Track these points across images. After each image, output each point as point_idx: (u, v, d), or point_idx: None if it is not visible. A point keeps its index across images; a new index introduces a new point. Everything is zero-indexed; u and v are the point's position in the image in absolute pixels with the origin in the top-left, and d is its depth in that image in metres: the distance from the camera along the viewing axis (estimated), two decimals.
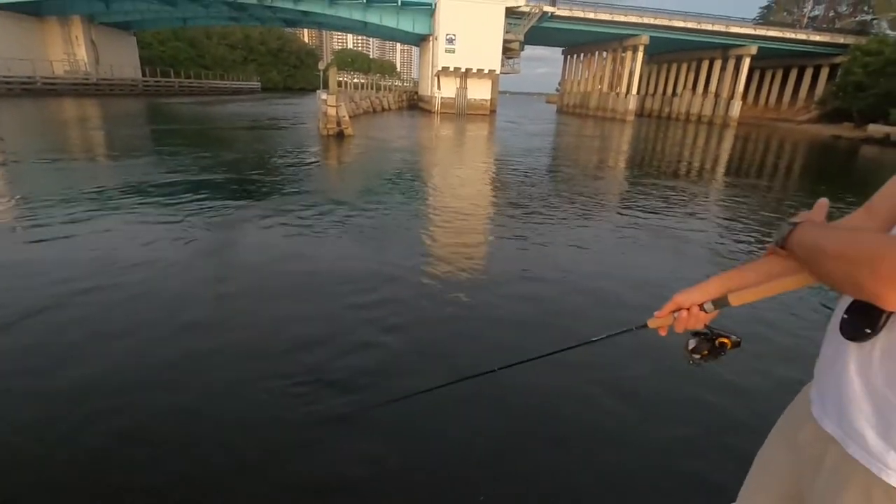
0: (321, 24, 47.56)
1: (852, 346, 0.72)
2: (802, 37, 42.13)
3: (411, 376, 2.78)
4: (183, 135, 16.24)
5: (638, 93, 45.13)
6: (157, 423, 2.34)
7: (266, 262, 4.61)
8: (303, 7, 37.69)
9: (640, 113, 49.95)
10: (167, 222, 5.69)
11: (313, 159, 11.97)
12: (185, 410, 2.44)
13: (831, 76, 41.41)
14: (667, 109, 52.21)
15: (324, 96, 16.76)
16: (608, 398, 2.68)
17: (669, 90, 53.01)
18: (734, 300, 0.88)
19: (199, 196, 7.10)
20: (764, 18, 51.96)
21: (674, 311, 0.95)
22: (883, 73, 33.04)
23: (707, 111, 45.85)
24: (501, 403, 2.57)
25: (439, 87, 38.22)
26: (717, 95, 45.57)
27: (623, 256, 5.51)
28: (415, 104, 46.56)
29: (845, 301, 0.75)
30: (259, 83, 73.80)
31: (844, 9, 49.92)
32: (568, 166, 13.68)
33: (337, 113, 16.22)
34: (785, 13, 53.10)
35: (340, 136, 16.25)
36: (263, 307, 3.63)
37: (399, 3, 37.40)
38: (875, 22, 44.97)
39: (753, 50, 41.98)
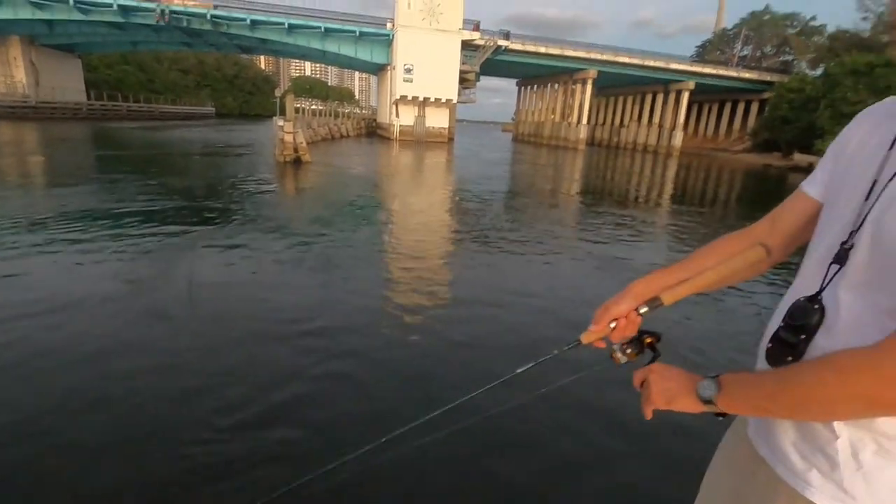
0: (278, 51, 47.48)
1: None
2: (734, 74, 45.85)
3: (354, 430, 2.58)
4: (129, 161, 15.49)
5: (588, 123, 47.32)
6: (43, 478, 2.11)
7: (210, 297, 4.33)
8: (260, 34, 37.58)
9: (591, 142, 52.27)
10: (104, 255, 5.36)
11: (269, 186, 11.70)
12: (79, 473, 2.18)
13: (761, 110, 44.93)
14: (615, 139, 54.94)
15: (280, 122, 16.60)
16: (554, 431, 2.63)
17: (617, 121, 55.94)
18: (666, 299, 0.91)
19: (142, 226, 6.76)
20: (700, 57, 56.05)
21: (610, 322, 0.94)
22: (805, 108, 36.18)
23: (652, 141, 48.61)
24: (423, 460, 2.30)
25: (398, 115, 38.71)
26: (660, 126, 48.50)
27: (577, 281, 5.64)
28: (373, 131, 46.83)
29: (771, 329, 0.79)
30: (213, 109, 72.32)
31: (769, 49, 54.64)
32: (524, 194, 14.03)
33: (294, 139, 16.06)
34: (718, 52, 57.47)
35: (298, 162, 16.06)
36: (204, 350, 3.34)
37: (357, 33, 37.97)
38: (795, 62, 49.50)
39: (691, 85, 45.21)
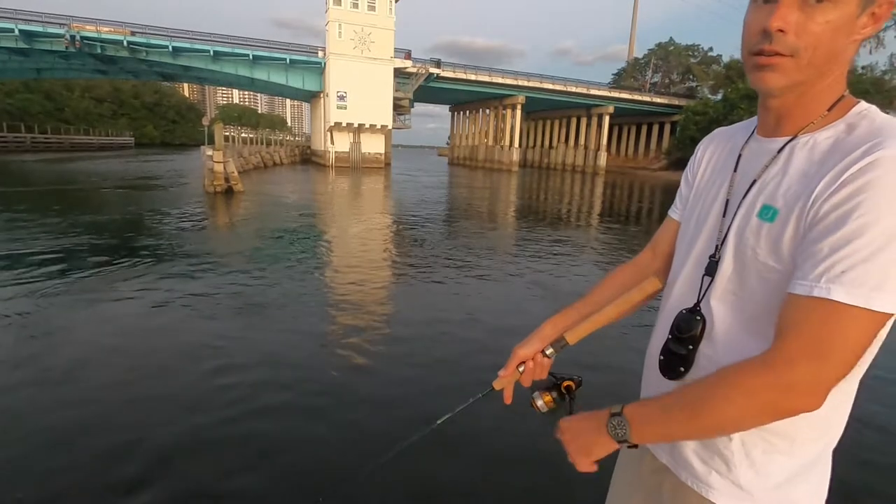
0: (204, 78, 45.79)
1: (671, 384, 0.81)
2: (647, 99, 50.01)
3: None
4: (32, 197, 14.00)
5: (520, 145, 49.38)
6: None
7: (113, 347, 3.85)
8: (183, 62, 36.15)
9: (524, 164, 54.48)
10: None
11: (195, 219, 11.06)
12: None
13: (673, 131, 49.04)
14: (546, 160, 57.64)
15: (209, 152, 15.97)
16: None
17: (547, 143, 58.84)
18: (571, 338, 0.91)
19: (40, 268, 6.09)
20: (616, 83, 60.49)
21: (518, 366, 0.95)
22: (709, 128, 39.52)
23: (579, 161, 51.48)
24: None
25: (332, 142, 38.42)
26: (586, 147, 51.57)
27: (516, 307, 5.68)
28: (308, 158, 46.12)
29: (658, 342, 0.86)
30: (132, 138, 68.20)
31: (676, 77, 60.07)
32: (463, 217, 14.27)
33: (225, 169, 15.48)
34: (632, 79, 62.31)
35: (229, 192, 15.46)
36: (94, 411, 2.92)
37: (288, 60, 37.56)
38: (699, 88, 54.75)
39: (611, 109, 48.65)
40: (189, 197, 14.98)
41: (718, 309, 0.76)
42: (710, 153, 0.90)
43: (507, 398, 0.98)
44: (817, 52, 0.65)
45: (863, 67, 33.93)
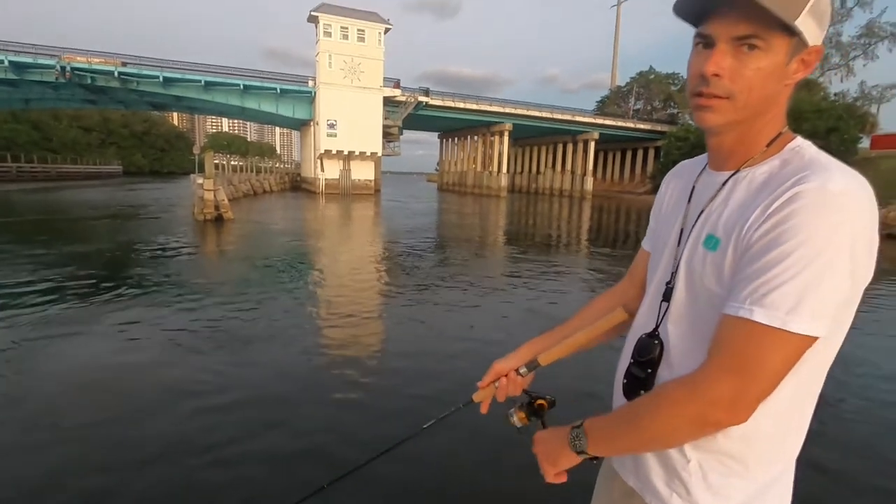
0: (195, 108, 46.13)
1: None
2: (631, 125, 51.29)
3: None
4: (17, 228, 13.86)
5: (508, 171, 50.10)
6: None
7: (89, 384, 3.74)
8: (174, 92, 36.42)
9: (512, 189, 55.15)
10: None
11: (185, 248, 10.96)
12: None
13: (657, 156, 50.16)
14: (534, 185, 58.45)
15: (199, 180, 15.99)
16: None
17: (534, 168, 59.79)
18: (543, 360, 0.98)
19: (20, 300, 5.96)
20: (600, 110, 62.07)
21: (494, 381, 1.02)
22: (691, 153, 40.30)
23: (567, 186, 52.31)
24: None
25: (323, 169, 38.66)
26: (572, 172, 52.49)
27: (508, 335, 5.59)
28: (298, 186, 46.24)
29: (623, 365, 0.90)
30: (120, 167, 67.99)
31: (658, 103, 61.85)
32: (454, 243, 14.34)
33: (215, 197, 15.49)
34: (616, 106, 64.00)
35: (219, 220, 15.43)
36: (66, 455, 2.82)
37: (278, 90, 38.06)
38: (680, 114, 56.35)
39: (596, 135, 49.79)
40: (178, 225, 14.91)
41: (674, 333, 0.81)
42: (672, 186, 0.96)
43: (484, 409, 1.04)
44: (751, 95, 0.71)
45: (835, 94, 35.37)
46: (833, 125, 28.52)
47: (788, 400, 0.72)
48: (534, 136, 56.07)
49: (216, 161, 18.17)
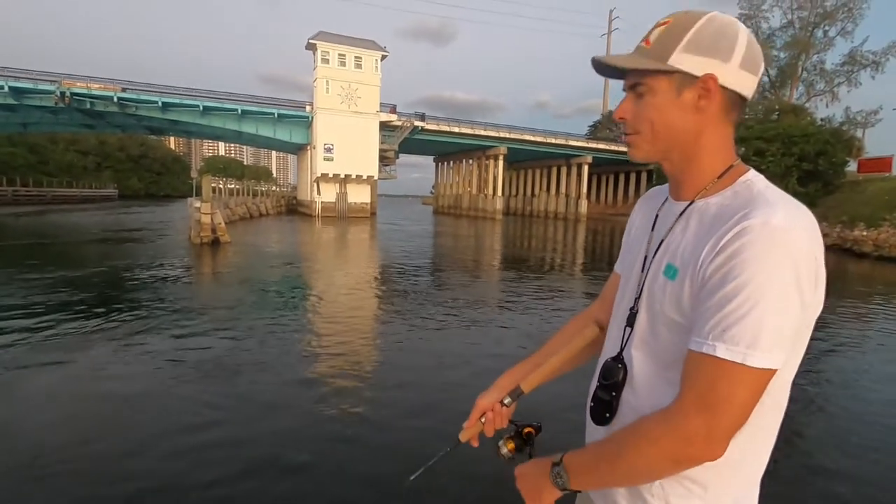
0: (191, 132, 46.55)
1: (601, 429, 0.88)
2: (623, 149, 51.97)
3: None
4: (10, 252, 13.77)
5: (503, 194, 50.55)
6: None
7: (70, 417, 3.62)
8: (172, 116, 36.80)
9: (507, 212, 55.57)
10: None
11: (180, 272, 10.94)
12: None
13: (650, 179, 50.87)
14: (528, 208, 58.94)
15: (196, 203, 16.03)
16: None
17: (529, 191, 60.37)
18: (525, 387, 0.98)
19: (8, 326, 5.92)
20: (593, 134, 63.17)
21: (480, 417, 1.01)
22: None
23: (561, 209, 52.79)
24: None
25: (319, 192, 38.87)
26: (567, 195, 53.05)
27: (503, 359, 5.70)
28: (294, 209, 46.39)
29: (592, 389, 0.91)
30: (116, 190, 68.05)
31: None
32: (451, 267, 14.40)
33: (212, 220, 15.51)
34: (608, 130, 65.19)
35: (216, 243, 15.42)
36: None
37: (276, 115, 38.54)
38: None
39: (589, 159, 50.57)
40: (175, 248, 14.89)
41: (637, 358, 0.83)
42: (641, 211, 0.99)
43: (474, 443, 1.04)
44: (654, 127, 0.79)
45: (822, 119, 36.19)
46: (821, 149, 29.07)
47: (745, 426, 0.73)
48: (528, 159, 56.84)
49: (213, 185, 18.24)
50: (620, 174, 56.24)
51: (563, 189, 53.76)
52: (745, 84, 0.76)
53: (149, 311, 6.89)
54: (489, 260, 15.85)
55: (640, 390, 0.81)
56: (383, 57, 40.19)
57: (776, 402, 0.77)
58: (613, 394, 0.85)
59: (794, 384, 0.77)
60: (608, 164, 55.04)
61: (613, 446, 0.78)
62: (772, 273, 0.66)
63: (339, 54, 38.24)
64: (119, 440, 3.31)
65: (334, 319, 7.04)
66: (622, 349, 0.86)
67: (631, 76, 0.80)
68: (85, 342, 5.41)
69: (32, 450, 3.16)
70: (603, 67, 0.83)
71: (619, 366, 0.85)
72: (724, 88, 0.76)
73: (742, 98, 0.78)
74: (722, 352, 0.67)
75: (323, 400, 4.12)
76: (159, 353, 5.12)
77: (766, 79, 41.89)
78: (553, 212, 53.60)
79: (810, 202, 28.58)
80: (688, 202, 0.81)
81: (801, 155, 29.34)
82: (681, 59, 0.75)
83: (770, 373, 0.68)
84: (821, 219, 24.88)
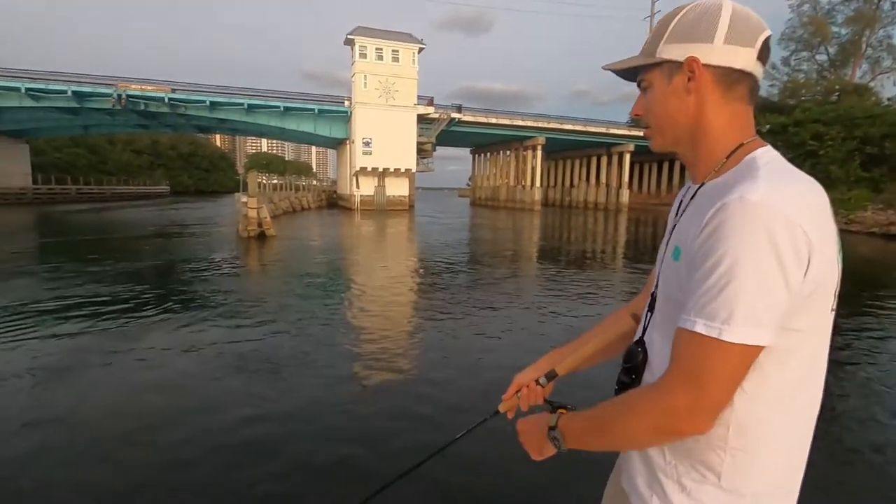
0: (237, 129, 48.29)
1: None
2: None
3: None
4: (75, 247, 14.60)
5: (541, 185, 49.81)
6: None
7: (123, 403, 3.79)
8: (219, 115, 38.28)
9: (545, 203, 54.74)
10: (18, 353, 4.86)
11: (231, 265, 11.39)
12: None
13: None
14: (567, 199, 57.83)
15: (244, 198, 16.65)
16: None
17: (568, 182, 59.19)
18: (560, 370, 1.05)
19: (71, 317, 6.26)
20: (635, 122, 61.24)
21: (517, 392, 1.10)
22: None
23: (601, 199, 51.50)
24: None
25: (358, 186, 39.54)
26: (607, 185, 51.66)
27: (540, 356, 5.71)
28: (334, 203, 47.41)
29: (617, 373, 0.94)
30: (168, 187, 71.56)
31: None
32: (490, 259, 14.30)
33: (258, 214, 16.08)
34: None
35: (262, 237, 15.98)
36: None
37: (316, 110, 39.38)
38: None
39: (631, 147, 48.95)
40: (224, 242, 15.53)
41: (656, 340, 0.86)
42: (676, 201, 1.01)
43: (511, 415, 1.12)
44: (659, 119, 0.85)
45: (888, 99, 33.58)
46: (888, 131, 27.07)
47: (752, 413, 0.74)
48: (567, 149, 55.68)
49: (259, 180, 18.87)
50: (664, 162, 54.21)
51: (603, 179, 52.39)
52: (736, 57, 0.77)
53: (202, 303, 7.23)
54: (529, 252, 15.71)
55: (657, 372, 0.82)
56: (420, 49, 40.24)
57: (790, 395, 0.75)
58: (633, 376, 0.88)
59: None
60: (651, 153, 53.09)
61: (602, 415, 0.82)
62: (746, 247, 0.66)
63: (377, 48, 38.57)
64: (171, 430, 3.41)
65: (377, 313, 7.17)
66: (643, 333, 0.90)
67: (637, 75, 0.88)
68: (142, 332, 5.72)
69: (94, 433, 3.36)
70: (618, 72, 0.91)
71: (640, 349, 0.88)
72: (710, 67, 0.78)
73: (739, 72, 0.78)
74: (700, 327, 0.69)
75: (364, 395, 4.21)
76: (211, 344, 5.33)
77: (824, 57, 39.30)
78: (593, 202, 52.39)
79: (875, 187, 26.72)
80: (699, 186, 0.84)
81: (864, 138, 27.47)
82: (666, 50, 0.82)
83: (751, 350, 0.68)
84: (887, 205, 23.19)
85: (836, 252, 0.74)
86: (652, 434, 0.76)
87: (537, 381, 1.07)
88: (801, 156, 29.50)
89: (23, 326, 5.78)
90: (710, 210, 0.71)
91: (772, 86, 39.82)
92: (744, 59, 0.78)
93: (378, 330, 6.14)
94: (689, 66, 0.79)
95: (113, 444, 3.20)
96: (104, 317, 6.33)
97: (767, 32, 0.78)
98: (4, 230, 19.38)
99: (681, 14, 0.81)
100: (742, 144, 0.79)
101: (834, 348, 5.28)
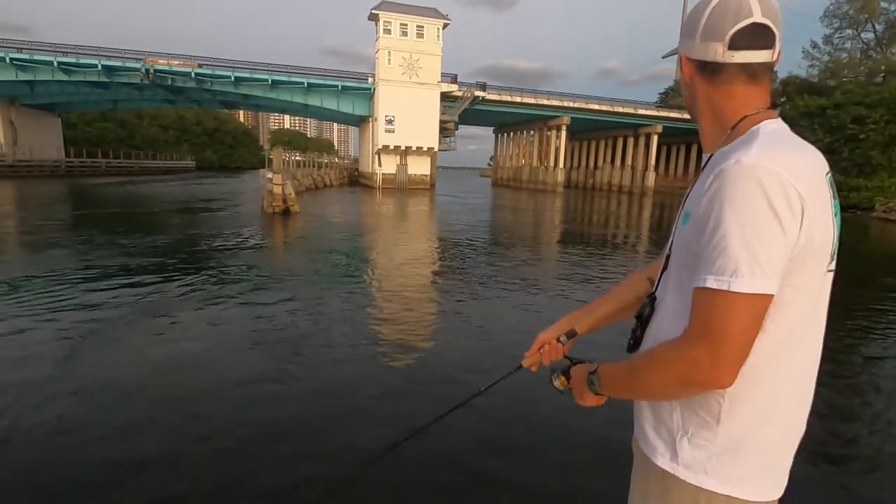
0: (261, 105, 48.51)
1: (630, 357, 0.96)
2: None
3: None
4: (106, 219, 14.95)
5: (564, 166, 48.96)
6: None
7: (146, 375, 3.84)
8: (244, 90, 38.49)
9: (567, 185, 53.87)
10: (49, 321, 5.00)
11: (257, 240, 11.54)
12: None
13: None
14: (591, 181, 56.74)
15: (269, 175, 16.80)
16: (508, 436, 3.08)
17: (592, 163, 57.97)
18: (579, 329, 1.13)
19: (103, 289, 6.39)
20: (664, 102, 59.28)
21: (539, 349, 1.17)
22: None
23: (626, 182, 50.35)
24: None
25: (380, 164, 39.51)
26: (633, 168, 50.42)
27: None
28: (356, 180, 47.53)
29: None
30: (193, 162, 72.66)
31: None
32: (512, 242, 14.24)
33: (283, 191, 16.23)
34: (680, 97, 60.95)
35: (286, 213, 16.16)
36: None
37: (339, 87, 39.23)
38: None
39: (659, 129, 47.52)
40: (250, 218, 15.76)
41: (665, 296, 0.93)
42: None
43: (534, 369, 1.22)
44: (685, 98, 0.98)
45: None
46: None
47: (751, 362, 0.78)
48: (592, 129, 54.39)
49: (284, 157, 18.98)
50: (693, 144, 52.31)
51: (628, 161, 51.09)
52: (708, 51, 0.87)
53: (229, 278, 7.33)
54: (552, 237, 15.55)
55: (663, 323, 0.91)
56: (445, 25, 39.51)
57: (786, 342, 0.82)
58: (640, 328, 0.96)
59: None
60: (680, 135, 51.47)
61: (634, 365, 0.90)
62: (743, 204, 0.73)
63: (401, 24, 38.01)
64: (193, 403, 3.44)
65: (398, 293, 7.15)
66: (656, 289, 0.97)
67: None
68: (170, 305, 5.80)
69: (117, 403, 3.43)
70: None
71: (648, 304, 0.96)
72: (691, 60, 0.90)
73: (714, 63, 0.86)
74: (712, 283, 0.75)
75: (386, 362, 4.27)
76: (236, 319, 5.40)
77: (870, 35, 37.17)
78: (617, 185, 51.24)
79: None
80: (710, 155, 0.90)
81: None
82: (679, 43, 0.94)
83: (761, 298, 0.74)
84: None
85: (832, 217, 0.81)
86: (678, 385, 0.81)
87: (558, 339, 1.14)
88: (841, 140, 28.28)
89: (54, 295, 5.95)
90: (710, 175, 0.79)
91: (811, 66, 38.04)
92: (713, 52, 0.86)
93: (399, 313, 6.13)
94: (682, 61, 0.93)
95: (135, 416, 3.25)
96: (134, 289, 6.48)
97: (748, 20, 0.82)
98: (41, 201, 20.05)
99: (692, 9, 0.90)
100: (746, 116, 0.86)
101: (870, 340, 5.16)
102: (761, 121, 0.84)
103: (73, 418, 3.19)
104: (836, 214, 0.82)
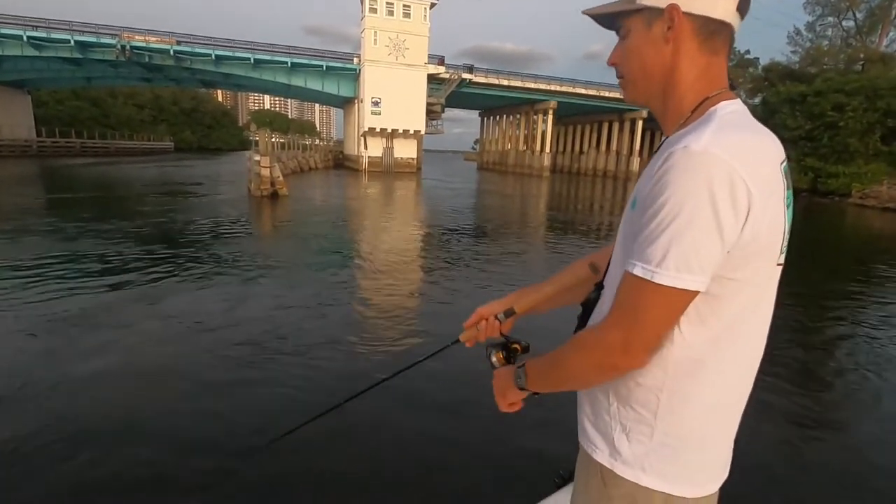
0: (242, 85, 47.27)
1: None
2: None
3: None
4: (81, 203, 14.26)
5: (550, 151, 49.07)
6: None
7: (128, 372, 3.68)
8: (224, 69, 37.38)
9: (553, 169, 54.06)
10: (25, 312, 4.80)
11: (244, 224, 11.37)
12: None
13: None
14: (576, 165, 57.06)
15: (256, 157, 16.48)
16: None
17: (577, 148, 58.24)
18: (518, 308, 1.10)
19: (97, 274, 6.24)
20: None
21: (477, 323, 1.14)
22: None
23: (611, 167, 50.79)
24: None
25: (366, 147, 39.02)
26: (618, 153, 50.84)
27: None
28: (341, 163, 46.90)
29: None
30: (172, 143, 70.67)
31: None
32: (500, 226, 14.28)
33: (271, 173, 15.96)
34: None
35: (275, 196, 15.92)
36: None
37: (324, 67, 38.41)
38: (736, 91, 53.19)
39: (644, 114, 47.82)
40: (237, 202, 15.42)
41: (610, 283, 0.87)
42: None
43: (469, 344, 1.18)
44: (633, 69, 0.84)
45: None
46: None
47: (688, 356, 0.77)
48: (577, 114, 54.49)
49: (272, 139, 18.58)
50: None
51: (614, 146, 51.50)
52: (716, 6, 0.75)
53: (219, 264, 7.20)
54: (540, 220, 15.65)
55: (603, 308, 0.87)
56: (432, 5, 38.82)
57: (727, 336, 0.77)
58: (585, 315, 0.93)
59: None
60: None
61: (558, 354, 0.86)
62: (685, 196, 0.68)
63: (388, 3, 37.22)
64: (169, 395, 3.40)
65: (389, 277, 7.10)
66: (603, 277, 0.93)
67: (616, 21, 0.84)
68: (165, 292, 5.69)
69: (100, 393, 3.39)
70: (596, 18, 0.87)
71: (594, 291, 0.93)
72: (690, 16, 0.76)
73: (718, 22, 0.76)
74: (638, 270, 0.72)
75: (368, 364, 4.08)
76: (226, 307, 5.29)
77: (851, 23, 37.75)
78: (602, 169, 51.66)
79: (893, 161, 26.23)
80: (665, 138, 0.83)
81: (887, 110, 26.69)
82: None
83: (682, 294, 0.71)
84: None
85: (784, 206, 0.76)
86: (596, 370, 0.80)
87: (496, 316, 1.11)
88: (820, 127, 28.81)
89: (33, 284, 5.72)
90: (658, 160, 0.73)
91: (793, 52, 38.53)
92: (723, 8, 0.76)
93: (388, 298, 6.16)
94: (669, 14, 0.76)
95: (121, 405, 3.21)
96: (116, 276, 6.29)
97: None
98: (11, 183, 19.30)
99: None
100: (707, 98, 0.79)
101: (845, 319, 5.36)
102: (720, 102, 0.78)
103: (50, 410, 3.18)
104: (788, 206, 0.78)
